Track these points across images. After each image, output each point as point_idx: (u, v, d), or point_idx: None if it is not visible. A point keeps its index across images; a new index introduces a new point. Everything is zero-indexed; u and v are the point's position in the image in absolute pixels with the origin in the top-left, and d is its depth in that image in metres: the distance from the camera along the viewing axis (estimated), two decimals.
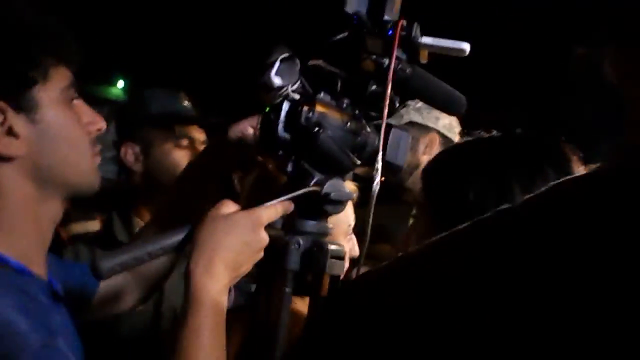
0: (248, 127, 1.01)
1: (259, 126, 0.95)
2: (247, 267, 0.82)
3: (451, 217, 0.75)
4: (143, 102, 1.53)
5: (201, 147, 1.50)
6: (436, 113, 1.85)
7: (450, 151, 1.06)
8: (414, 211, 1.71)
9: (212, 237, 0.79)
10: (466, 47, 0.98)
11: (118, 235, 1.45)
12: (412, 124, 1.84)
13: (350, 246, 1.16)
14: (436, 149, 1.81)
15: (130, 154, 1.51)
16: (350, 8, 0.96)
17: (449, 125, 1.90)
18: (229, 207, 0.83)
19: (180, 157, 1.47)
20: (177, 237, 0.81)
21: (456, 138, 1.85)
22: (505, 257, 0.29)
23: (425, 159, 1.76)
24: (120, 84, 6.36)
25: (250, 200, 1.01)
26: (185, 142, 1.48)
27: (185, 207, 1.06)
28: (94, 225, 1.69)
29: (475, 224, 0.33)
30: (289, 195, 0.87)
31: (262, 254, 0.84)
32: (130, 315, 1.35)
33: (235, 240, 0.80)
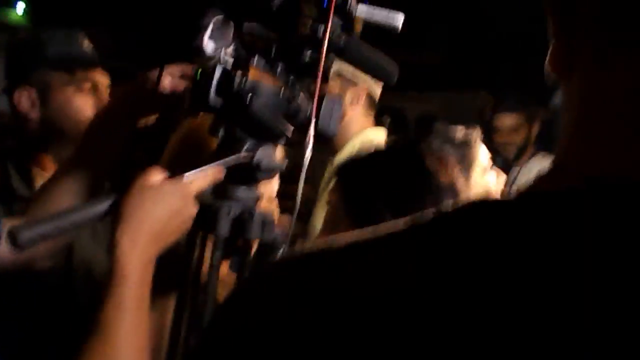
0: (167, 77, 0.97)
1: (189, 88, 0.93)
2: (175, 237, 0.82)
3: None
4: (39, 43, 1.39)
5: (105, 92, 1.41)
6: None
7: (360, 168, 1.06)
8: (332, 158, 1.74)
9: (140, 208, 0.77)
10: (399, 20, 0.99)
11: (16, 187, 1.35)
12: (340, 75, 1.83)
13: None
14: (362, 103, 1.81)
15: (25, 99, 1.37)
16: None
17: (376, 82, 1.92)
18: (156, 175, 0.81)
19: (83, 103, 1.37)
20: (102, 207, 0.79)
21: (379, 92, 1.87)
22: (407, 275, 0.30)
23: (350, 112, 1.77)
24: (20, 7, 5.95)
25: (174, 161, 0.99)
26: (87, 86, 1.38)
27: (93, 158, 1.01)
28: None
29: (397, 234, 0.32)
30: (220, 162, 0.86)
31: (190, 223, 0.83)
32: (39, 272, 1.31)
33: (164, 211, 0.78)
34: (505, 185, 2.59)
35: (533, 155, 2.50)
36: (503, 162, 2.64)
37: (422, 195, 0.92)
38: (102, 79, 1.42)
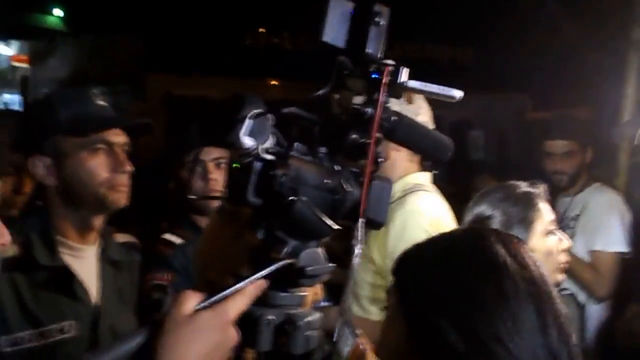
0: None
1: (227, 182, 0.85)
2: None
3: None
4: (50, 107, 1.34)
5: (122, 151, 1.35)
6: (416, 108, 1.75)
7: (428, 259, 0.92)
8: None
9: (177, 346, 0.69)
10: (457, 93, 0.89)
11: (39, 258, 1.29)
12: None
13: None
14: (403, 150, 1.69)
15: (40, 167, 1.33)
16: (327, 37, 0.84)
17: (427, 123, 1.81)
18: (190, 302, 0.73)
19: (98, 165, 1.32)
20: (133, 344, 0.71)
21: None
22: None
23: (394, 154, 1.67)
24: (58, 12, 5.99)
25: (210, 262, 0.91)
26: (101, 147, 1.33)
27: None
28: (10, 250, 1.51)
29: None
30: (259, 274, 0.77)
31: (231, 352, 0.75)
32: (64, 342, 1.26)
33: (203, 346, 0.70)
34: (557, 215, 2.46)
35: (586, 184, 2.35)
36: (552, 190, 2.51)
37: (496, 305, 0.79)
38: (118, 138, 1.35)
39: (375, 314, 1.64)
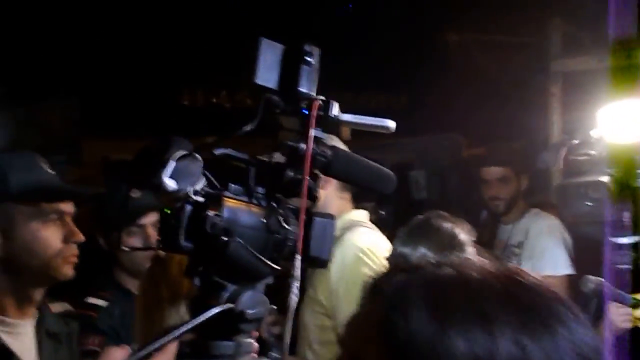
0: None
1: (158, 229, 0.81)
2: None
3: None
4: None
5: (70, 220, 1.28)
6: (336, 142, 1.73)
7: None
8: None
9: None
10: (391, 124, 0.89)
11: None
12: None
13: None
14: (333, 183, 1.66)
15: None
16: (260, 80, 0.83)
17: None
18: (116, 358, 0.67)
19: (51, 236, 1.24)
20: None
21: None
22: None
23: (323, 193, 1.62)
24: None
25: (146, 301, 0.86)
26: (55, 217, 1.25)
27: None
28: None
29: None
30: (193, 322, 0.72)
31: None
32: None
33: None
34: (500, 243, 2.49)
35: (525, 210, 2.41)
36: (491, 216, 2.55)
37: None
38: (68, 208, 1.28)
39: (326, 358, 1.59)
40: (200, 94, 5.86)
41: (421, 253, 1.37)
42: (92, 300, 1.72)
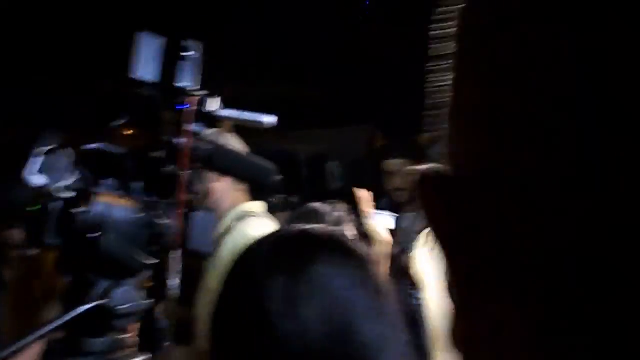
0: None
1: (24, 226, 0.79)
2: None
3: None
4: None
5: None
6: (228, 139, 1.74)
7: None
8: None
9: None
10: (267, 119, 0.91)
11: None
12: None
13: None
14: (225, 179, 1.69)
15: None
16: (138, 74, 0.83)
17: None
18: None
19: None
20: None
21: None
22: None
23: (218, 186, 1.65)
24: None
25: (16, 302, 0.84)
26: None
27: None
28: None
29: None
30: (61, 319, 0.72)
31: None
32: None
33: None
34: (402, 230, 2.59)
35: None
36: (394, 206, 2.64)
37: None
38: None
39: None
40: (108, 83, 5.64)
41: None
42: None
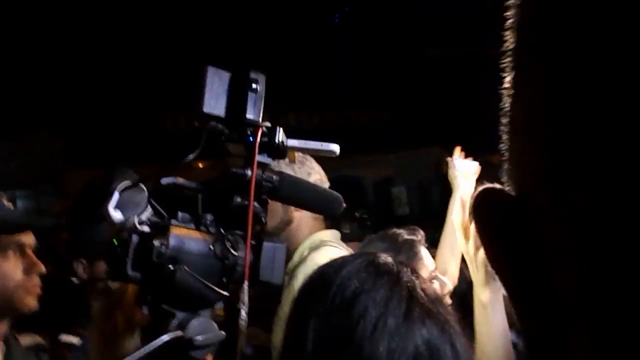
0: None
1: (106, 260, 0.82)
2: None
3: None
4: None
5: (32, 253, 1.28)
6: (308, 168, 1.77)
7: None
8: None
9: None
10: (335, 148, 0.91)
11: None
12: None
13: None
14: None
15: None
16: (207, 108, 0.86)
17: (320, 182, 1.83)
18: None
19: (10, 269, 1.24)
20: None
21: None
22: None
23: (297, 215, 1.67)
24: None
25: (100, 333, 0.87)
26: (14, 249, 1.26)
27: None
28: None
29: None
30: (141, 351, 0.74)
31: None
32: None
33: None
34: None
35: None
36: None
37: None
38: (28, 239, 1.29)
39: None
40: (182, 118, 5.88)
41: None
42: (66, 337, 1.69)
